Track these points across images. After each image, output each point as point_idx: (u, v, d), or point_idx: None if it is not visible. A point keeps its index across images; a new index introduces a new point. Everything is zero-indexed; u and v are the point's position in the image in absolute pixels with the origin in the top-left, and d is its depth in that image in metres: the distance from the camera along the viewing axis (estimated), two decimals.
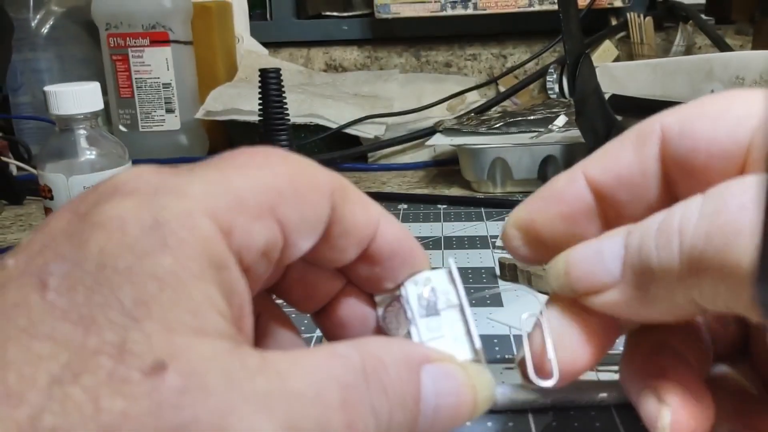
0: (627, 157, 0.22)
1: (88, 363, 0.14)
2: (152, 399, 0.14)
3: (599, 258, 0.21)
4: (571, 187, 0.23)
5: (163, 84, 0.78)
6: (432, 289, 0.23)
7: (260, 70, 0.49)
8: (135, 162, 0.49)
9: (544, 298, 0.24)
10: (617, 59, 0.87)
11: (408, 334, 0.23)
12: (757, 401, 0.24)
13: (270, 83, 0.49)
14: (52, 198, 0.47)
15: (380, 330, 0.24)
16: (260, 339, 0.24)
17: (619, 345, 0.25)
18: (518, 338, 0.36)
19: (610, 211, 0.23)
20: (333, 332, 0.25)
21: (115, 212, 0.16)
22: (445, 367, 0.19)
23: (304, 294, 0.24)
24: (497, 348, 0.35)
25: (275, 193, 0.19)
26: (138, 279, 0.15)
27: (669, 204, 0.22)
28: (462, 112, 0.77)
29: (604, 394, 0.28)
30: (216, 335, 0.15)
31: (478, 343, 0.22)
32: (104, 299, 0.15)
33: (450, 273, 0.24)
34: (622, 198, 0.22)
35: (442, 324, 0.23)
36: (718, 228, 0.17)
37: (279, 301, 0.25)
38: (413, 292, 0.23)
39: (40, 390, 0.14)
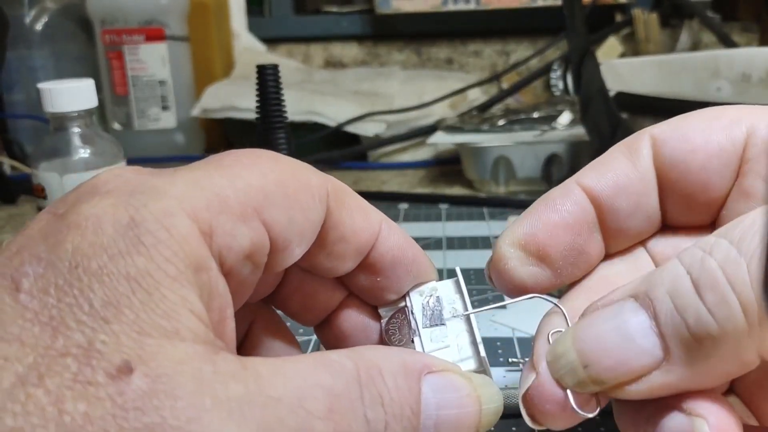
0: (622, 165, 0.21)
1: (53, 365, 0.14)
2: (116, 402, 0.14)
3: (626, 339, 0.18)
4: (568, 197, 0.22)
5: (158, 81, 0.78)
6: (437, 299, 0.22)
7: (257, 66, 0.48)
8: (130, 161, 0.48)
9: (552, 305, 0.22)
10: (622, 56, 0.86)
11: (411, 345, 0.22)
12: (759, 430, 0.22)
13: (267, 80, 0.47)
14: (45, 197, 0.46)
15: (383, 342, 0.23)
16: (252, 347, 0.23)
17: None
18: (522, 341, 0.35)
19: (610, 224, 0.22)
20: (335, 346, 0.24)
21: (92, 212, 0.16)
22: (448, 377, 0.18)
23: (304, 305, 0.23)
24: (500, 351, 0.34)
25: (261, 195, 0.18)
26: (109, 280, 0.15)
27: (663, 218, 0.21)
28: (464, 110, 0.76)
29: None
30: (190, 339, 0.15)
31: (483, 353, 0.21)
32: (74, 300, 0.15)
33: (457, 282, 0.23)
34: (622, 207, 0.21)
35: (447, 334, 0.22)
36: None
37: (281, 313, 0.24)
38: (418, 302, 0.23)
39: (1, 391, 0.13)
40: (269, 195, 0.18)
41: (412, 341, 0.22)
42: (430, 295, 0.23)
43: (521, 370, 0.21)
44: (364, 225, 0.21)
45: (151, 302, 0.15)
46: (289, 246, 0.19)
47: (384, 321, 0.23)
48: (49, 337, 0.14)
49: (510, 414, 0.28)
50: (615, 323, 0.18)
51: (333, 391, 0.16)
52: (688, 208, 0.22)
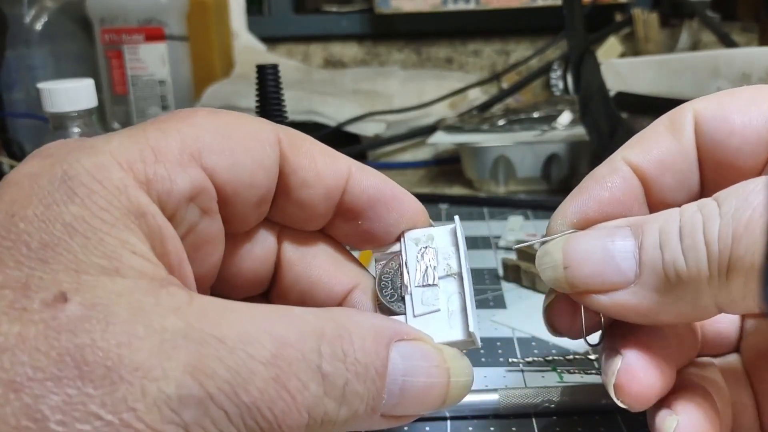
0: (666, 142, 0.22)
1: None
2: (49, 325, 0.14)
3: (608, 256, 0.20)
4: (617, 173, 0.22)
5: (158, 81, 0.78)
6: (435, 252, 0.22)
7: (257, 66, 0.48)
8: None
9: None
10: (622, 56, 0.86)
11: (402, 302, 0.21)
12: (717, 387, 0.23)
13: (267, 80, 0.47)
14: None
15: (376, 294, 0.22)
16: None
17: None
18: (522, 341, 0.35)
19: (655, 200, 0.22)
20: None
21: (29, 171, 0.17)
22: (418, 346, 0.19)
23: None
24: (500, 351, 0.34)
25: (198, 143, 0.19)
26: (45, 226, 0.16)
27: (701, 193, 0.22)
28: (464, 110, 0.76)
29: (608, 399, 0.28)
30: (133, 276, 0.16)
31: (472, 321, 0.20)
32: (12, 244, 0.15)
33: (454, 233, 0.22)
34: (667, 183, 0.22)
35: (438, 295, 0.21)
36: (744, 226, 0.17)
37: None
38: (413, 252, 0.22)
39: None
40: (207, 143, 0.19)
41: (403, 299, 0.21)
42: (426, 246, 0.22)
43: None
44: (329, 168, 0.21)
45: (90, 245, 0.16)
46: (239, 189, 0.19)
47: (378, 270, 0.22)
48: None
49: (511, 414, 0.29)
50: (604, 241, 0.20)
51: (282, 340, 0.16)
52: (721, 189, 0.22)
